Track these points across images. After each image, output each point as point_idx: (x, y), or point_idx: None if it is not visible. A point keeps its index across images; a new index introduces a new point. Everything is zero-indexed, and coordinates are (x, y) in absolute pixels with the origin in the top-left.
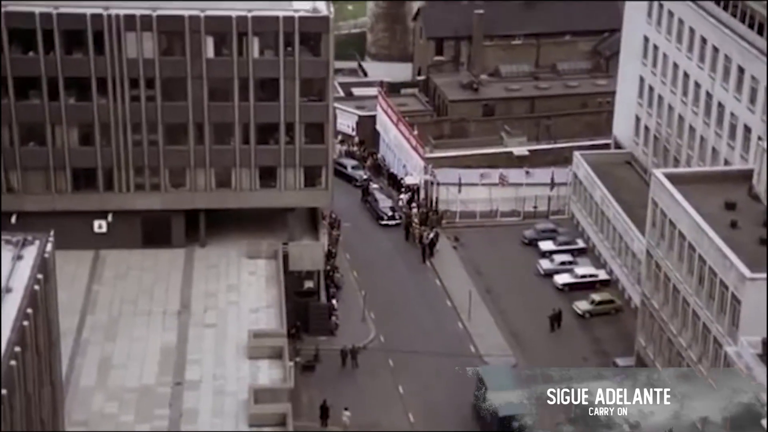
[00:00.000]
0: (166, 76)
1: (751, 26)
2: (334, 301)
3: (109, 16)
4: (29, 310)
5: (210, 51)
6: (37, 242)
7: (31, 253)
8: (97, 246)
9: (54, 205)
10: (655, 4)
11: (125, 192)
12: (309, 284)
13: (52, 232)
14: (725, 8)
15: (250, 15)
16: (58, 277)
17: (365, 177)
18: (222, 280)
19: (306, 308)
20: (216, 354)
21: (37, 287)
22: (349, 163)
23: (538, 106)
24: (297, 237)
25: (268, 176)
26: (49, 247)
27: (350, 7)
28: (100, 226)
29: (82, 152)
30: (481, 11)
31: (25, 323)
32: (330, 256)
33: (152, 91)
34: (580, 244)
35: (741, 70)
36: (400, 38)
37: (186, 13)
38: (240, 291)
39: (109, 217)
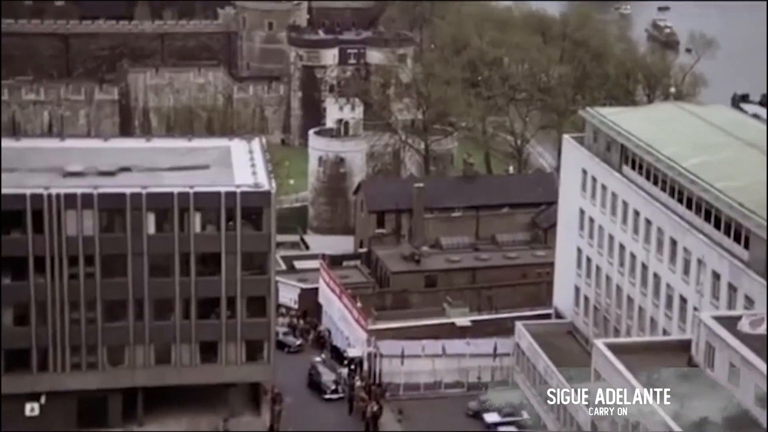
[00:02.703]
0: (106, 253)
1: (680, 200)
2: None
3: (50, 195)
4: None
5: (151, 227)
6: None
7: None
8: (29, 430)
9: None
10: (589, 177)
11: (60, 372)
12: None
13: None
14: (655, 183)
15: (191, 191)
16: None
17: (298, 343)
18: None
19: None
20: None
21: None
22: (281, 329)
23: (479, 277)
24: (238, 413)
25: (208, 351)
26: None
27: (291, 182)
28: (32, 409)
29: (16, 332)
30: (421, 185)
31: None
32: None
33: (92, 268)
34: (525, 415)
35: (673, 242)
36: (341, 211)
37: (127, 190)
38: None
39: (42, 399)
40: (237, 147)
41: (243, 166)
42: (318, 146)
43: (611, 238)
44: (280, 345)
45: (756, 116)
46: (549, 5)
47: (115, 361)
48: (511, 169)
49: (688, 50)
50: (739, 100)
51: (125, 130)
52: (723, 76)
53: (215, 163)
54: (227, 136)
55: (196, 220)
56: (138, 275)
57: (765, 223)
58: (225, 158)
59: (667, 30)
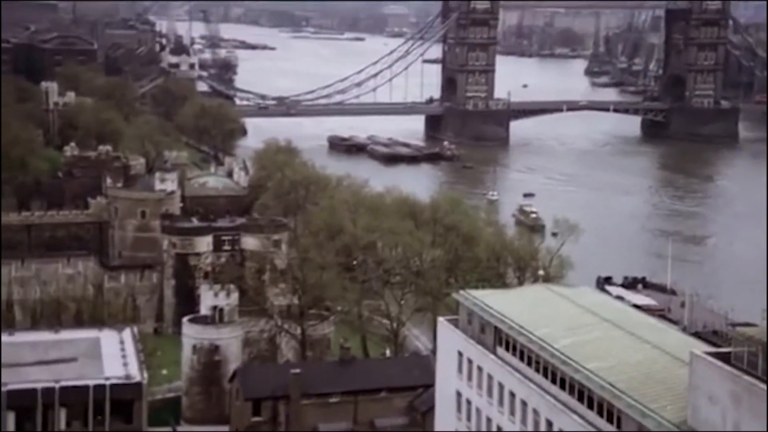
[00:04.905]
0: None
1: (554, 381)
2: None
3: None
4: None
5: (11, 427)
6: None
7: None
8: None
9: None
10: (464, 359)
11: None
12: None
13: None
14: (529, 364)
15: (57, 386)
16: None
17: None
18: None
19: None
20: None
21: None
22: None
23: None
24: None
25: None
26: None
27: (164, 372)
28: None
29: None
30: (297, 371)
31: None
32: None
33: None
34: None
35: (549, 423)
36: (216, 400)
37: None
38: None
39: None
40: (107, 338)
41: (113, 357)
42: (192, 334)
43: (489, 420)
44: None
45: (620, 298)
46: (420, 191)
47: None
48: (387, 352)
49: (554, 234)
50: (603, 283)
51: None
52: (587, 258)
53: (84, 355)
54: (97, 327)
55: (62, 417)
56: None
57: (635, 403)
58: (94, 350)
59: (534, 215)
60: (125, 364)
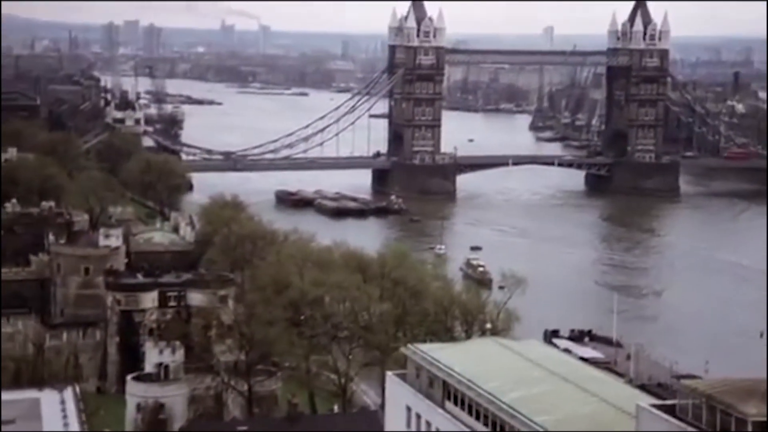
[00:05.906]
0: None
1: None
2: None
3: None
4: None
5: None
6: None
7: None
8: None
9: None
10: (413, 414)
11: None
12: None
13: None
14: (477, 418)
15: None
16: None
17: None
18: None
19: None
20: None
21: None
22: None
23: None
24: None
25: None
26: None
27: None
28: None
29: None
30: (244, 428)
31: None
32: None
33: None
34: None
35: None
36: None
37: None
38: None
39: None
40: (48, 398)
41: (54, 418)
42: (136, 392)
43: None
44: None
45: (567, 351)
46: (367, 245)
47: None
48: (336, 408)
49: (501, 287)
50: (550, 336)
51: None
52: (534, 311)
53: (22, 417)
54: (37, 387)
55: None
56: None
57: None
58: (34, 411)
59: (481, 269)
60: (66, 425)
